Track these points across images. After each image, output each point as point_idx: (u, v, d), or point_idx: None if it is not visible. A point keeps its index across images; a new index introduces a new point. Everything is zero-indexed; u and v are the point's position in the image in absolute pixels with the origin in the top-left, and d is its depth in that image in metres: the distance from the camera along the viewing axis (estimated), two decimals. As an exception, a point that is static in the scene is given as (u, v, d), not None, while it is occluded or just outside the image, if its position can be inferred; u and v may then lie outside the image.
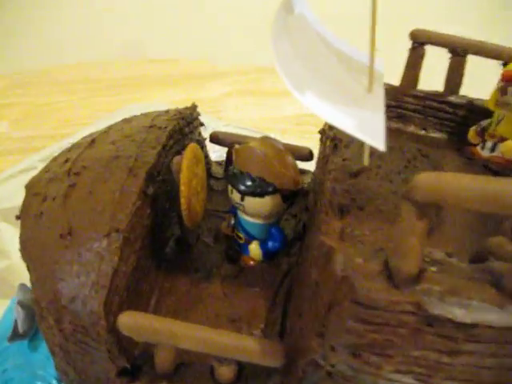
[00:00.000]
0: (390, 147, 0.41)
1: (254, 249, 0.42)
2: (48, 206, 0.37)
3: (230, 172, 0.40)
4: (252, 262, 0.42)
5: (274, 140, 0.41)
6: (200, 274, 0.41)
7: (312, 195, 0.47)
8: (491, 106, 0.43)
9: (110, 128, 0.45)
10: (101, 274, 0.32)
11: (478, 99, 0.46)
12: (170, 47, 1.11)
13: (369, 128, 0.31)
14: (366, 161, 0.36)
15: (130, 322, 0.30)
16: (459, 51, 0.44)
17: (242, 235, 0.42)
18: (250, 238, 0.42)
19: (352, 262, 0.26)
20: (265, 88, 1.00)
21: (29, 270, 0.35)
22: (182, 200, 0.38)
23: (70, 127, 0.87)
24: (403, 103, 0.46)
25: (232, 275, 0.41)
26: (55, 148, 0.72)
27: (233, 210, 0.44)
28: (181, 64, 1.08)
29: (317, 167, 0.48)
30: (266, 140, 0.40)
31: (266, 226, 0.42)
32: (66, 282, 0.32)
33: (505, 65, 0.46)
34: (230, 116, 0.88)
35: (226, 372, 0.32)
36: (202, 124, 0.51)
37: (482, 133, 0.43)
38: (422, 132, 0.46)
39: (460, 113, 0.46)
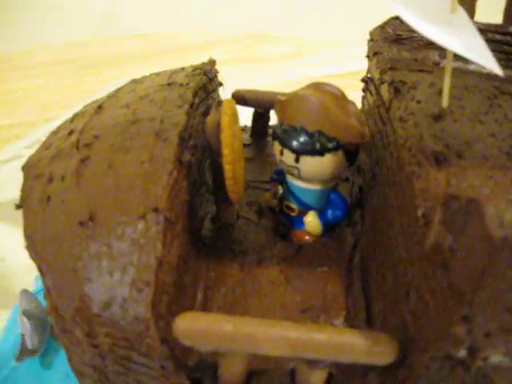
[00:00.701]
0: (464, 86, 0.34)
1: (312, 221, 0.34)
2: (56, 188, 0.28)
3: (278, 129, 0.32)
4: (307, 237, 0.35)
5: (328, 85, 0.33)
6: (250, 258, 0.33)
7: (366, 153, 0.39)
8: None
9: (117, 91, 0.37)
10: (142, 267, 0.24)
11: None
12: (149, 20, 1.01)
13: (475, 48, 0.24)
14: (445, 102, 0.30)
15: (193, 326, 0.22)
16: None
17: (294, 206, 0.35)
18: (305, 209, 0.34)
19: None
20: (260, 54, 0.92)
21: (41, 271, 0.27)
22: (227, 167, 0.30)
23: (50, 111, 0.77)
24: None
25: (289, 255, 0.33)
26: (42, 133, 0.63)
27: (277, 178, 0.36)
28: (165, 37, 0.99)
29: (367, 119, 0.41)
30: (318, 86, 0.33)
31: (324, 193, 0.34)
32: (95, 283, 0.24)
33: None
34: (232, 85, 0.80)
35: (317, 379, 0.24)
36: (221, 84, 0.43)
37: None
38: (483, 69, 0.39)
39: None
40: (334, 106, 0.31)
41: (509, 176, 0.25)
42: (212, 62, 0.41)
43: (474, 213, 0.20)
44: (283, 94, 0.36)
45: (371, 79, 0.41)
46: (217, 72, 0.41)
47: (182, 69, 0.40)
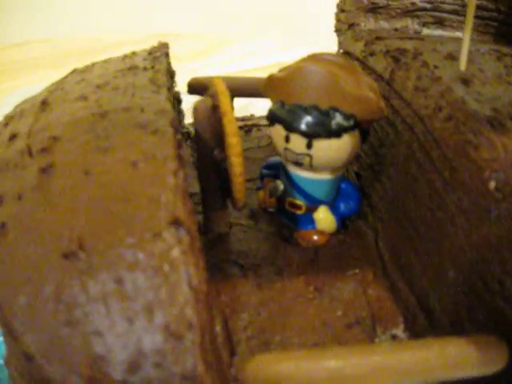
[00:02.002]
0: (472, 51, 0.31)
1: (324, 217, 0.29)
2: (13, 212, 0.20)
3: (280, 111, 0.26)
4: (316, 238, 0.29)
5: (330, 54, 0.28)
6: (264, 271, 0.27)
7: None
8: None
9: (60, 83, 0.29)
10: (175, 304, 0.17)
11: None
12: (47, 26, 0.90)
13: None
14: (463, 65, 0.26)
15: (280, 371, 0.16)
16: None
17: (300, 202, 0.29)
18: (314, 204, 0.29)
19: None
20: (170, 54, 0.85)
21: (10, 333, 0.19)
22: (236, 160, 0.24)
23: None
24: (440, 4, 0.36)
25: (308, 261, 0.28)
26: None
27: (270, 173, 0.30)
28: (64, 42, 0.88)
29: None
30: (319, 57, 0.27)
31: (335, 183, 0.29)
32: (108, 337, 0.17)
33: None
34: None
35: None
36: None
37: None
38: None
39: (503, 9, 0.37)
40: (346, 77, 0.26)
41: None
42: (165, 45, 0.34)
43: None
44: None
45: (347, 53, 0.36)
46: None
47: (134, 53, 0.32)
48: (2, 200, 0.21)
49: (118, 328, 0.17)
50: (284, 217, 0.30)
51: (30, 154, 0.22)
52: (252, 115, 0.44)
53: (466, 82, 0.26)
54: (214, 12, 0.99)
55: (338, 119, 0.25)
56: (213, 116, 0.25)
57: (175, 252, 0.18)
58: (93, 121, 0.23)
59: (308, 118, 0.26)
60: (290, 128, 0.26)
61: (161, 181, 0.20)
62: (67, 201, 0.20)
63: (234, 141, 0.23)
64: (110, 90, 0.26)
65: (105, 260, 0.18)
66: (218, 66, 0.84)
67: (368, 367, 0.16)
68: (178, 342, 0.17)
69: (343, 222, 0.30)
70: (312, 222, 0.29)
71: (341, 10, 0.37)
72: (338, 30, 0.38)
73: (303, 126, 0.26)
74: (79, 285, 0.18)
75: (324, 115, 0.25)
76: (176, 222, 0.19)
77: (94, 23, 0.89)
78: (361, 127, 0.27)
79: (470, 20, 0.26)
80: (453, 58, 0.28)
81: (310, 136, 0.26)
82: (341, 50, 0.38)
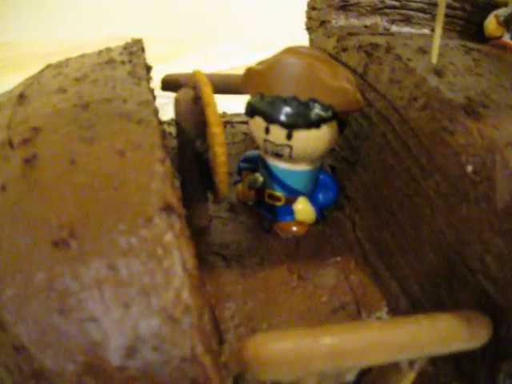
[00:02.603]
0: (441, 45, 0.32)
1: (304, 208, 0.29)
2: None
3: (259, 103, 0.27)
4: (295, 229, 0.30)
5: (306, 47, 0.29)
6: (247, 261, 0.27)
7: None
8: None
9: (36, 79, 0.28)
10: (171, 287, 0.17)
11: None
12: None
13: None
14: (434, 58, 0.28)
15: (279, 349, 0.16)
16: None
17: (280, 194, 0.30)
18: (293, 196, 0.29)
19: None
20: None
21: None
22: (219, 150, 0.24)
23: None
24: (407, 2, 0.37)
25: (290, 251, 0.28)
26: None
27: (248, 166, 0.31)
28: (26, 45, 0.86)
29: None
30: (297, 50, 0.28)
31: (314, 173, 0.30)
32: (104, 323, 0.17)
33: None
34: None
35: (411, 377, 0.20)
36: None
37: (506, 22, 0.36)
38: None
39: (468, 8, 0.38)
40: (324, 69, 0.27)
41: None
42: (139, 41, 0.34)
43: None
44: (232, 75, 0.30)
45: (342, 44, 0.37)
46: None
47: (109, 49, 0.32)
48: (-15, 192, 0.20)
49: (113, 314, 0.17)
50: (263, 209, 0.31)
51: (11, 145, 0.22)
52: (224, 113, 0.44)
53: (438, 73, 0.27)
54: (179, 16, 0.99)
55: (317, 110, 0.26)
56: (194, 107, 0.25)
57: (168, 236, 0.18)
58: (75, 112, 0.23)
59: (288, 109, 0.26)
60: (270, 119, 0.26)
61: (149, 169, 0.20)
62: (54, 189, 0.20)
63: (217, 130, 0.23)
64: (90, 82, 0.26)
65: (97, 247, 0.18)
66: (185, 69, 0.83)
67: (365, 342, 0.17)
68: (176, 325, 0.17)
69: (321, 212, 0.31)
70: (291, 213, 0.30)
71: (312, 7, 0.38)
72: (309, 28, 0.39)
73: (283, 117, 0.26)
74: (71, 272, 0.18)
75: (303, 106, 0.26)
76: (167, 208, 0.19)
77: (55, 26, 0.87)
78: (338, 118, 0.27)
79: (441, 14, 0.27)
80: (424, 51, 0.29)
81: (290, 127, 0.26)
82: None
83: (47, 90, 0.26)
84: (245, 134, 0.40)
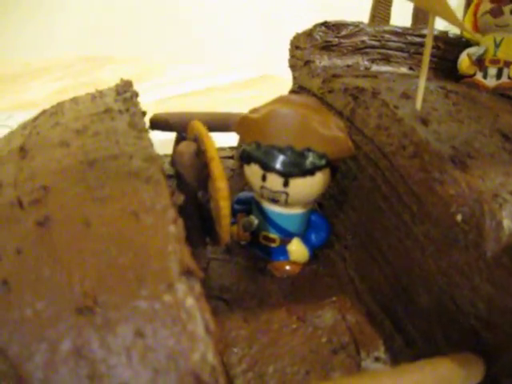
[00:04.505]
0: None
1: (298, 249, 0.31)
2: (14, 268, 0.20)
3: (256, 151, 0.28)
4: (288, 268, 0.31)
5: (299, 96, 0.30)
6: (248, 304, 0.28)
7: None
8: (469, 35, 0.40)
9: (34, 128, 0.28)
10: (197, 353, 0.18)
11: (443, 31, 0.42)
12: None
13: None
14: (419, 104, 0.29)
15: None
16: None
17: (274, 236, 0.31)
18: (287, 237, 0.31)
19: None
20: (101, 78, 0.84)
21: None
22: (223, 203, 0.25)
23: None
24: (386, 42, 0.39)
25: (287, 292, 0.29)
26: None
27: (242, 208, 0.32)
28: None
29: None
30: (289, 99, 0.29)
31: (307, 216, 0.31)
32: (133, 388, 0.18)
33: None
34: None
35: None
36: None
37: (479, 61, 0.39)
38: (411, 72, 0.40)
39: (441, 46, 0.41)
40: (317, 118, 0.28)
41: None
42: (128, 83, 0.34)
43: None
44: (229, 115, 0.32)
45: (303, 89, 0.39)
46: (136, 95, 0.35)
47: (101, 93, 0.33)
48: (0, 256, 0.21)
49: (143, 378, 0.18)
50: (257, 249, 0.32)
51: (21, 206, 0.22)
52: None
53: (424, 121, 0.29)
54: (145, 36, 0.99)
55: (311, 159, 0.27)
56: (197, 160, 0.26)
57: (190, 300, 0.19)
58: (82, 170, 0.24)
59: (284, 159, 0.27)
60: (267, 168, 0.28)
61: (164, 231, 0.21)
62: (71, 254, 0.20)
63: (222, 185, 0.24)
64: (92, 135, 0.26)
65: (122, 313, 0.19)
66: (154, 92, 0.83)
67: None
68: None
69: (314, 251, 0.32)
70: (285, 253, 0.31)
71: (295, 46, 0.40)
72: (292, 66, 0.40)
73: (280, 166, 0.27)
74: (99, 339, 0.18)
75: (299, 155, 0.27)
76: (187, 272, 0.20)
77: (20, 46, 0.86)
78: (331, 164, 0.29)
79: (425, 66, 0.29)
80: (408, 96, 0.31)
81: (287, 175, 0.27)
82: (297, 85, 0.40)
83: (49, 143, 0.26)
84: (232, 170, 0.41)
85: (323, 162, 0.28)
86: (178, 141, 0.40)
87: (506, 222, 0.23)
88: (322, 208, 0.36)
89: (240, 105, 0.77)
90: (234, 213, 0.32)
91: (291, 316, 0.28)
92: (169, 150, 0.40)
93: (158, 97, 0.81)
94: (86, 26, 0.95)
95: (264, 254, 0.31)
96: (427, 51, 0.28)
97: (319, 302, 0.29)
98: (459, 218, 0.24)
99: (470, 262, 0.23)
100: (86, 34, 0.94)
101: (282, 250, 0.31)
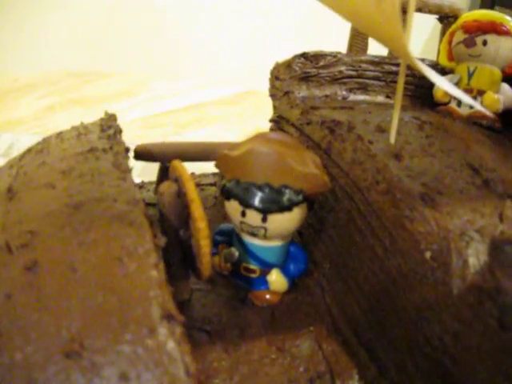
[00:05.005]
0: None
1: (277, 279, 0.32)
2: (3, 312, 0.21)
3: (235, 188, 0.29)
4: (268, 297, 0.32)
5: (275, 134, 0.31)
6: (229, 335, 0.29)
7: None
8: (445, 63, 0.41)
9: (21, 168, 0.29)
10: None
11: (420, 59, 0.44)
12: None
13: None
14: (392, 138, 0.31)
15: None
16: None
17: (254, 267, 0.32)
18: (267, 268, 0.32)
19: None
20: (90, 94, 0.84)
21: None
22: (204, 242, 0.26)
23: None
24: (363, 72, 0.41)
25: (266, 321, 0.31)
26: None
27: (223, 239, 0.33)
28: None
29: None
30: (266, 136, 0.31)
31: (285, 247, 0.32)
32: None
33: (441, 19, 0.44)
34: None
35: None
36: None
37: (454, 90, 0.40)
38: (388, 100, 0.42)
39: (417, 73, 0.42)
40: (293, 155, 0.29)
41: (488, 206, 0.27)
42: (113, 117, 0.36)
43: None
44: (212, 145, 0.33)
45: (283, 118, 0.40)
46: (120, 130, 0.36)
47: (86, 129, 0.34)
48: (-12, 302, 0.22)
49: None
50: (239, 279, 0.33)
51: (10, 250, 0.23)
52: (193, 173, 0.46)
53: (397, 156, 0.30)
54: (133, 52, 1.00)
55: (288, 195, 0.29)
56: (178, 200, 0.27)
57: (170, 344, 0.20)
58: (68, 213, 0.25)
59: (262, 196, 0.28)
60: (246, 204, 0.29)
61: (146, 276, 0.22)
62: (59, 300, 0.21)
63: (202, 225, 0.26)
64: (77, 177, 0.27)
65: (107, 357, 0.20)
66: (141, 107, 0.84)
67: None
68: None
69: (293, 280, 0.33)
70: (265, 282, 0.32)
71: (275, 77, 0.41)
72: (272, 95, 0.42)
73: (258, 203, 0.29)
74: (86, 381, 0.19)
75: (276, 192, 0.28)
76: (168, 316, 0.21)
77: (9, 61, 0.86)
78: (308, 199, 0.30)
79: (398, 101, 0.30)
80: (382, 130, 0.33)
81: (265, 211, 0.29)
82: (277, 114, 0.41)
83: (35, 185, 0.27)
84: (215, 197, 0.42)
85: (300, 197, 0.29)
86: (161, 170, 0.41)
87: (471, 261, 0.24)
88: (301, 236, 0.37)
89: (228, 120, 0.79)
90: (215, 244, 0.33)
91: (271, 346, 0.29)
92: (153, 177, 0.41)
93: (146, 113, 0.82)
94: (73, 42, 0.96)
95: (245, 284, 0.33)
96: (400, 86, 0.29)
97: (297, 332, 0.30)
98: (428, 255, 0.25)
99: (438, 298, 0.25)
100: (73, 50, 0.95)
101: (263, 280, 0.32)
